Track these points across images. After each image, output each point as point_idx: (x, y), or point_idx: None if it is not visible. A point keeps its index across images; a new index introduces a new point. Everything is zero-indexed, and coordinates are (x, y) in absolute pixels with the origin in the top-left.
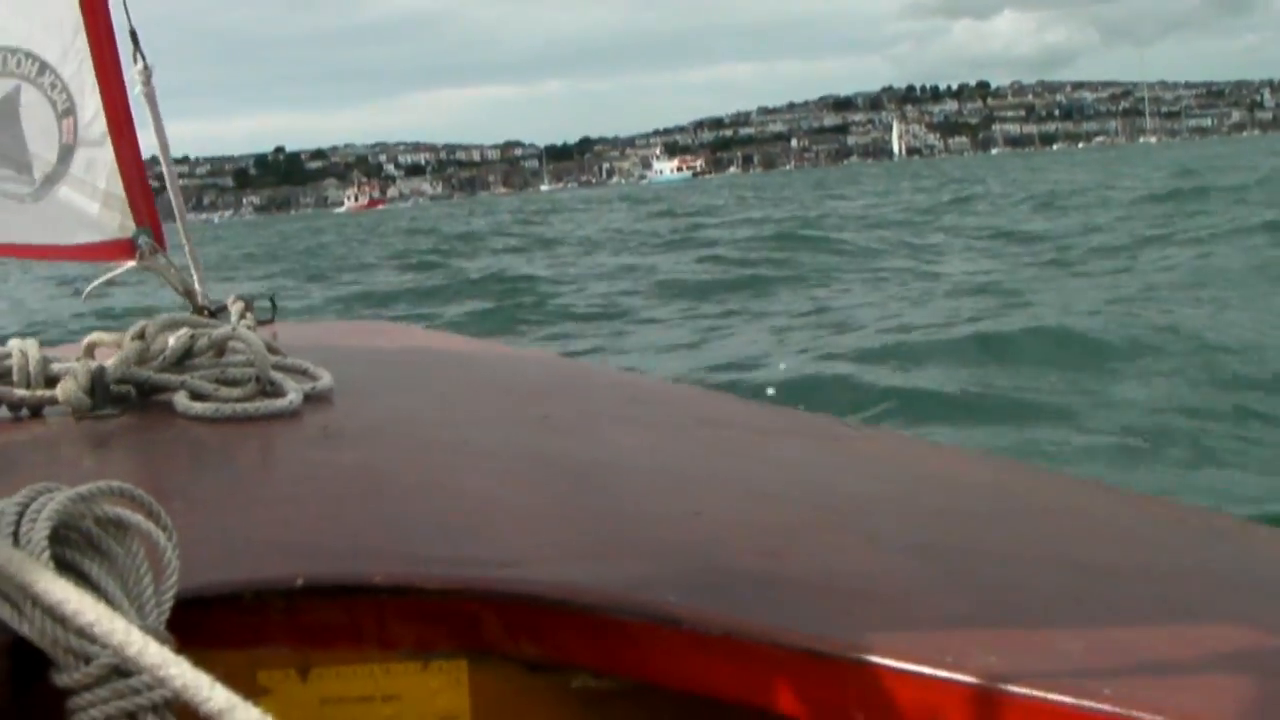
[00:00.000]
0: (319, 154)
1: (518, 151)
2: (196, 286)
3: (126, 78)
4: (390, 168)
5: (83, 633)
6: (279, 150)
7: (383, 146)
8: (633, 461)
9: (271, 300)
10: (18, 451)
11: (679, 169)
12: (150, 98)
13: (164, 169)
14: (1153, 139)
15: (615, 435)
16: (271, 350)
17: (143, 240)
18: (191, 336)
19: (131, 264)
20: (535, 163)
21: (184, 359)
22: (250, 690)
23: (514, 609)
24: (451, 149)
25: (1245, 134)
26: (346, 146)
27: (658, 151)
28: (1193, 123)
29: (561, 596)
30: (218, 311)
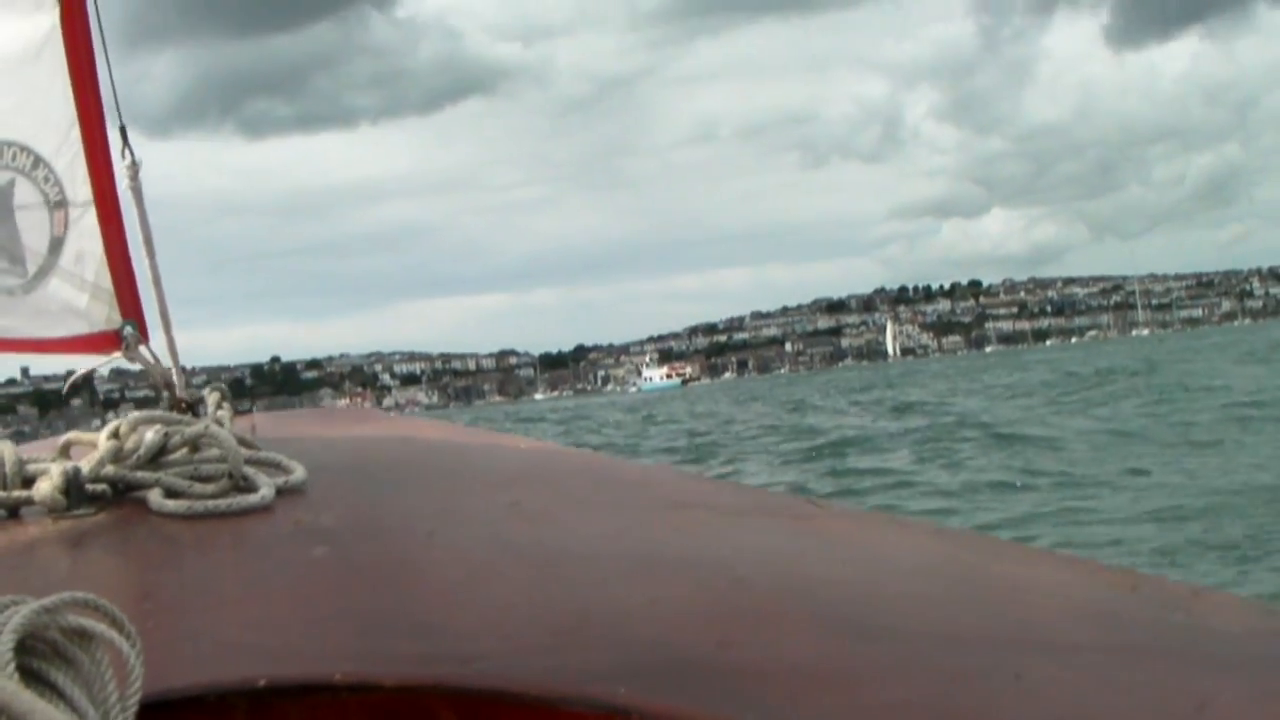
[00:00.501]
0: (314, 364)
1: (513, 360)
2: (175, 379)
3: (116, 171)
4: (386, 377)
5: None
6: (275, 360)
7: (378, 356)
8: (596, 548)
9: None
10: None
11: (668, 376)
12: (137, 192)
13: (147, 262)
14: (1145, 331)
15: (582, 522)
16: (245, 444)
17: (128, 332)
18: (165, 434)
19: (117, 355)
20: (530, 371)
21: (159, 455)
22: None
23: (469, 703)
24: (447, 358)
25: (1236, 323)
26: (342, 356)
27: (647, 359)
28: (1184, 314)
29: (514, 690)
30: (196, 404)
